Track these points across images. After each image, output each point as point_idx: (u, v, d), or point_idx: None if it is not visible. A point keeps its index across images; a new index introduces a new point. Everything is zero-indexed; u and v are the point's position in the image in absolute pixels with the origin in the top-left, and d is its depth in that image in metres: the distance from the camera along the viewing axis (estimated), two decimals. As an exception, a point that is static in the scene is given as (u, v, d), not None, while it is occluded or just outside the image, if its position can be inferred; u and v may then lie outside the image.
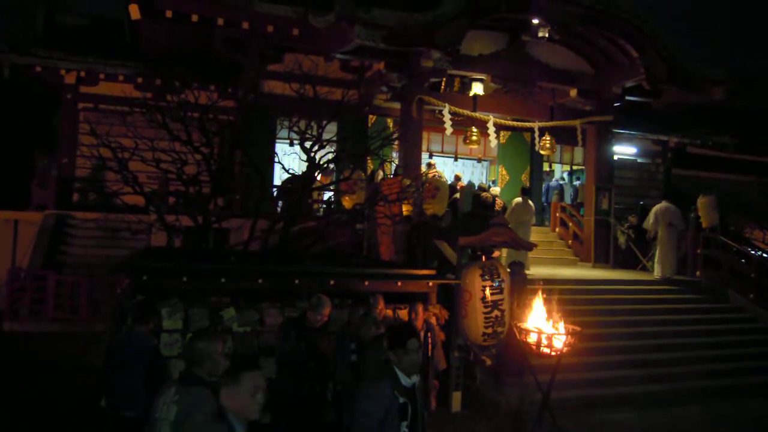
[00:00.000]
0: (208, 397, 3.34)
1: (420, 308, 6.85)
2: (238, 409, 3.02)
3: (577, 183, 18.40)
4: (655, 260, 13.01)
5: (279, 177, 13.13)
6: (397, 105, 13.79)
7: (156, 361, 5.08)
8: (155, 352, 5.24)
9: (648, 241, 13.97)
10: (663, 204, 13.17)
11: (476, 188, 14.58)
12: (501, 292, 7.56)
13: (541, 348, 6.22)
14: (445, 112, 12.65)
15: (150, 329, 5.34)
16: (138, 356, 4.97)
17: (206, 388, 3.39)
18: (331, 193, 12.92)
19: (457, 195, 13.89)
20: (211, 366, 3.51)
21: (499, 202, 13.24)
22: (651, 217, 13.19)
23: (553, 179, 18.86)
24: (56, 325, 11.36)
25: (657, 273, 12.83)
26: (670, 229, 12.86)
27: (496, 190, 15.16)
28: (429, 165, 14.34)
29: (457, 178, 15.47)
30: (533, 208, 13.39)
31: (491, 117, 13.29)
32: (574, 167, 18.93)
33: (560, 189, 17.79)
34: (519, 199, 13.10)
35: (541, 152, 14.91)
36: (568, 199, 17.66)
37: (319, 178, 11.15)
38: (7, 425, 6.64)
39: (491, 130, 13.19)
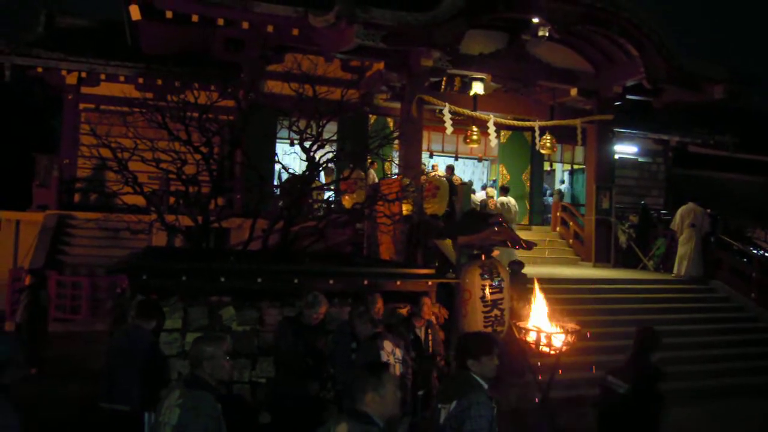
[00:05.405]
0: (212, 401, 3.33)
1: (428, 301, 6.81)
2: (383, 410, 3.06)
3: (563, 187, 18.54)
4: (676, 259, 13.02)
5: (279, 176, 13.12)
6: (397, 105, 13.77)
7: (153, 357, 5.08)
8: (154, 348, 5.24)
9: (650, 240, 13.94)
10: (688, 205, 13.14)
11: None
12: (500, 291, 7.57)
13: (540, 347, 6.20)
14: (446, 111, 12.63)
15: (152, 327, 5.35)
16: (136, 351, 4.98)
17: (210, 393, 3.36)
18: (331, 193, 12.93)
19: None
20: (213, 368, 3.45)
21: (492, 202, 13.19)
22: (677, 218, 13.20)
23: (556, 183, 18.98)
24: (57, 326, 11.38)
25: (675, 272, 12.90)
26: (691, 229, 12.84)
27: (491, 190, 15.12)
28: (433, 167, 14.22)
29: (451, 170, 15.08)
30: (516, 207, 13.39)
31: (491, 116, 13.26)
32: (575, 166, 18.93)
33: (560, 191, 17.88)
34: (503, 198, 13.10)
35: (542, 151, 14.87)
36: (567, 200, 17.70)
37: (323, 178, 11.19)
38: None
39: (491, 129, 13.15)
